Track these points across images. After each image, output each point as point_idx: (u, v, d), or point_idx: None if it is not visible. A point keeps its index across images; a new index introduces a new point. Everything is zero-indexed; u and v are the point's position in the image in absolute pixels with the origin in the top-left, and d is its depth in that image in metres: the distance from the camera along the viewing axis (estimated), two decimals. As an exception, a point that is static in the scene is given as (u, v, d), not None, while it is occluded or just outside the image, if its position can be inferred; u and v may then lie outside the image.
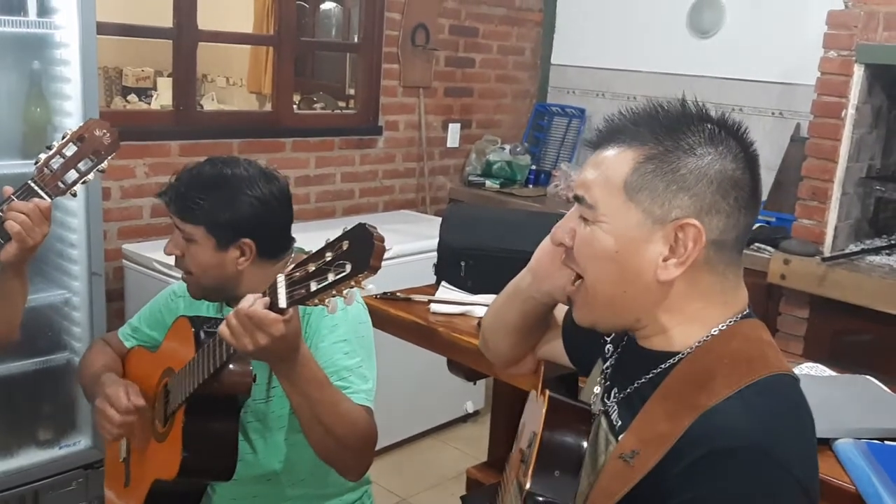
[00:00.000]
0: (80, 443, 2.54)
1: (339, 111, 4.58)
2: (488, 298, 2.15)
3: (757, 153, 1.02)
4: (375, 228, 1.11)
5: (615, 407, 1.07)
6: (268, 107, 4.91)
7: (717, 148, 0.98)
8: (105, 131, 1.60)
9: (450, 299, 2.18)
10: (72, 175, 1.57)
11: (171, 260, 2.54)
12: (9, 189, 1.54)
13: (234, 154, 3.35)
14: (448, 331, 2.00)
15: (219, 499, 1.67)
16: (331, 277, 1.12)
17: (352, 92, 4.84)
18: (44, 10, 2.32)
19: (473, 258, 2.26)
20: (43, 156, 1.57)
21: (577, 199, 1.04)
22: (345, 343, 1.53)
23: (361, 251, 1.10)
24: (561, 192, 4.07)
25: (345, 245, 1.12)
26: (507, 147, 4.29)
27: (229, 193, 1.53)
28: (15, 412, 2.49)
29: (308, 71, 5.34)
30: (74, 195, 1.61)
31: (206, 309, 1.71)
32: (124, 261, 2.96)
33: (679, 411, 0.94)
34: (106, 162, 1.61)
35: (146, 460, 1.64)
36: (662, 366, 1.02)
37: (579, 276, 1.06)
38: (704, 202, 0.97)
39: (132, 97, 5.60)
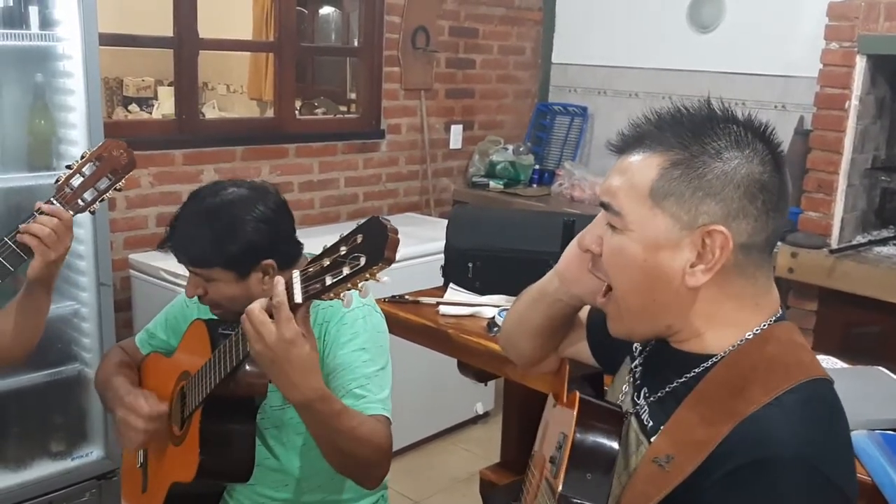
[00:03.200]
0: (92, 454, 2.54)
1: (340, 116, 4.58)
2: (497, 299, 2.17)
3: (783, 153, 1.01)
4: (389, 221, 1.11)
5: (646, 408, 1.06)
6: (269, 113, 4.92)
7: (744, 151, 0.97)
8: (122, 151, 1.63)
9: (458, 301, 2.19)
10: (91, 193, 1.61)
11: (179, 268, 2.55)
12: (40, 204, 1.58)
13: (238, 162, 3.38)
14: (458, 332, 2.00)
15: (236, 503, 1.67)
16: (346, 271, 1.12)
17: (353, 96, 4.84)
18: (46, 22, 2.33)
19: (481, 259, 2.26)
20: (63, 174, 1.60)
21: (604, 206, 1.03)
22: (364, 351, 1.53)
23: (376, 243, 1.10)
24: (565, 190, 4.07)
25: (359, 238, 1.12)
26: (510, 147, 4.29)
27: (231, 224, 1.50)
28: (27, 424, 2.50)
29: (308, 76, 5.34)
30: (93, 213, 1.66)
31: None
32: (131, 271, 2.97)
33: (716, 417, 0.94)
34: (123, 181, 1.64)
35: (164, 464, 1.64)
36: (696, 369, 1.01)
37: (609, 288, 1.05)
38: (732, 207, 0.96)
39: (133, 107, 5.61)
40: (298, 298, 1.21)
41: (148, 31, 3.41)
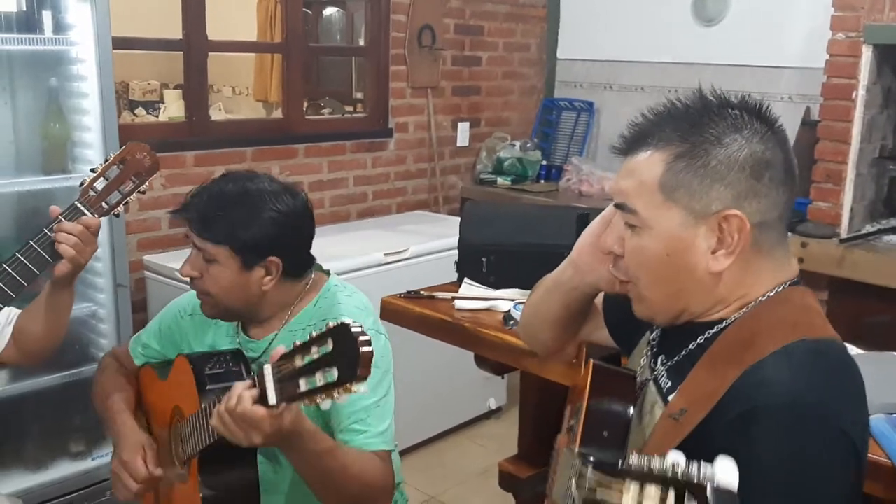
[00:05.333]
0: (111, 453, 2.55)
1: (348, 115, 4.60)
2: (512, 293, 2.18)
3: (783, 129, 1.04)
4: (361, 330, 1.05)
5: (664, 372, 1.09)
6: (275, 114, 4.94)
7: (742, 132, 1.00)
8: (145, 154, 1.64)
9: (474, 295, 2.20)
10: (115, 196, 1.62)
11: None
12: (56, 209, 1.59)
13: (248, 163, 3.40)
14: (474, 326, 2.02)
15: None
16: (319, 381, 1.08)
17: (358, 96, 4.85)
18: (59, 27, 2.35)
19: (495, 254, 2.28)
20: (87, 178, 1.62)
21: (619, 206, 1.06)
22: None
23: (347, 357, 1.05)
24: (573, 185, 4.08)
25: (329, 344, 1.07)
26: (517, 143, 4.31)
27: (253, 210, 1.48)
28: (47, 426, 2.52)
29: (313, 77, 5.36)
30: (118, 216, 1.66)
31: (212, 334, 1.66)
32: (146, 272, 2.99)
33: (725, 369, 0.97)
34: (147, 183, 1.65)
35: (171, 497, 1.63)
36: (710, 332, 1.04)
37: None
38: (741, 188, 0.99)
39: (140, 110, 5.63)
40: (273, 400, 1.16)
41: (151, 34, 3.43)
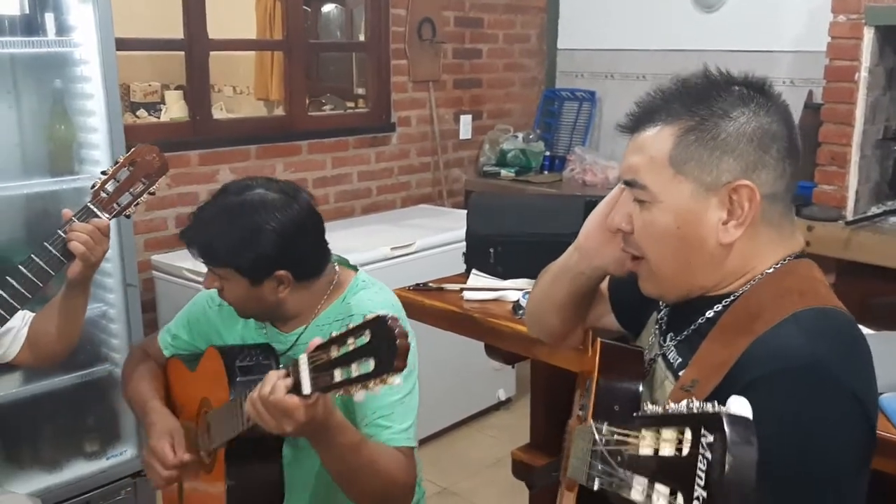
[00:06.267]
0: (126, 452, 2.57)
1: (350, 111, 4.61)
2: (520, 282, 2.19)
3: (786, 104, 1.06)
4: (398, 323, 1.06)
5: (672, 348, 1.10)
6: (277, 112, 4.94)
7: (749, 106, 1.02)
8: (154, 155, 1.66)
9: (482, 286, 2.21)
10: (126, 198, 1.64)
11: (200, 266, 2.55)
12: (68, 212, 1.62)
13: (252, 161, 3.40)
14: (484, 316, 2.02)
15: None
16: (354, 371, 1.08)
17: (359, 91, 4.86)
18: (62, 29, 2.36)
19: (502, 244, 2.29)
20: (98, 180, 1.64)
21: (628, 183, 1.07)
22: None
23: (385, 349, 1.05)
24: (577, 175, 4.09)
25: (367, 336, 1.08)
26: (520, 135, 4.31)
27: (249, 231, 1.46)
28: (61, 426, 2.53)
29: (314, 74, 5.37)
30: (128, 217, 1.69)
31: (241, 325, 1.68)
32: (153, 272, 3.00)
33: (735, 340, 0.98)
34: (157, 184, 1.67)
35: (197, 488, 1.65)
36: (719, 306, 1.05)
37: (636, 256, 1.09)
38: (749, 160, 1.00)
39: (141, 112, 5.64)
40: (307, 389, 1.17)
41: (149, 34, 3.44)
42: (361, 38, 4.27)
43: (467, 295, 2.16)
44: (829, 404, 0.91)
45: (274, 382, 1.21)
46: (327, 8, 5.40)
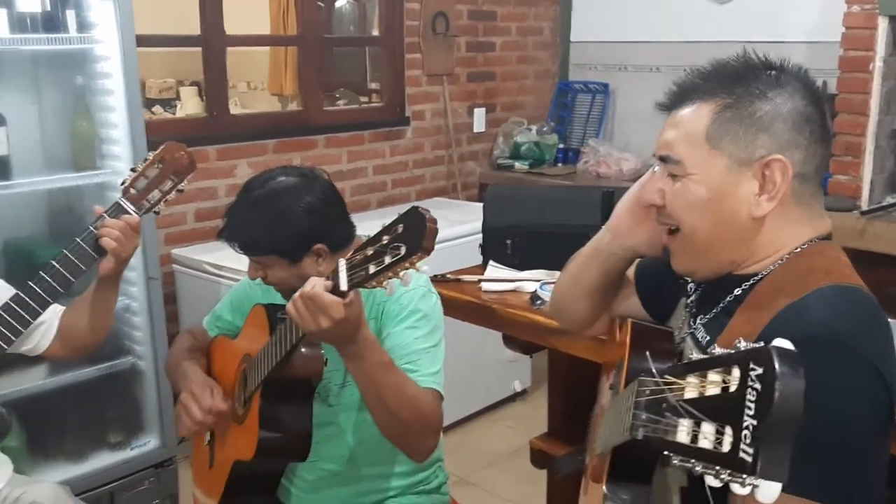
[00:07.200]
0: (149, 443, 2.61)
1: (364, 105, 4.63)
2: (537, 274, 2.21)
3: (820, 90, 1.09)
4: (428, 211, 1.15)
5: (700, 328, 1.13)
6: (291, 107, 4.97)
7: (785, 88, 1.05)
8: (183, 153, 1.70)
9: (499, 277, 2.23)
10: (155, 194, 1.68)
11: (220, 260, 2.60)
12: (99, 208, 1.66)
13: (269, 155, 3.44)
14: (502, 307, 2.04)
15: (298, 479, 1.73)
16: (387, 260, 1.16)
17: (373, 86, 4.88)
18: (83, 26, 2.38)
19: (519, 236, 2.31)
20: (127, 176, 1.68)
21: (663, 158, 1.10)
22: (416, 329, 1.58)
23: (415, 233, 1.14)
24: (591, 168, 4.10)
25: (399, 228, 1.16)
26: (534, 128, 4.33)
27: (281, 215, 1.55)
28: (86, 417, 2.57)
29: (327, 69, 5.39)
30: (158, 213, 1.73)
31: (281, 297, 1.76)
32: (174, 265, 3.04)
33: (759, 314, 1.01)
34: (186, 181, 1.70)
35: (227, 443, 1.71)
36: (746, 284, 1.08)
37: (671, 231, 1.12)
38: (783, 139, 1.04)
39: (157, 108, 5.69)
40: (344, 286, 1.26)
41: (163, 31, 3.47)
42: (375, 32, 4.29)
43: (485, 286, 2.18)
44: (849, 374, 0.93)
45: (314, 282, 1.29)
46: (340, 3, 5.43)
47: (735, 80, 1.06)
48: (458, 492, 3.01)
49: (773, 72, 1.06)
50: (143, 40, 2.50)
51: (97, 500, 2.49)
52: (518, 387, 3.65)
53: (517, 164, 4.22)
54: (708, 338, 1.11)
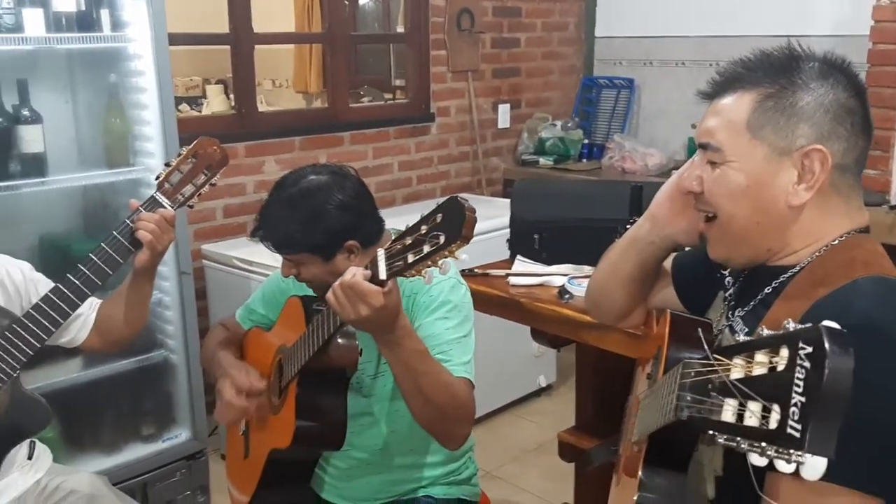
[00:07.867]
0: (181, 435, 2.65)
1: (390, 102, 4.66)
2: (565, 268, 2.22)
3: (864, 83, 1.10)
4: (467, 200, 1.16)
5: (739, 320, 1.14)
6: (316, 104, 5.01)
7: (828, 80, 1.06)
8: (216, 148, 1.73)
9: (527, 271, 2.24)
10: (189, 188, 1.71)
11: (250, 255, 2.62)
12: (135, 202, 1.69)
13: (296, 152, 3.47)
14: (530, 301, 2.06)
15: (332, 468, 1.76)
16: (426, 249, 1.18)
17: (398, 83, 4.90)
18: (116, 24, 2.42)
19: (547, 230, 2.32)
20: (162, 171, 1.71)
21: (703, 146, 1.12)
22: (447, 319, 1.60)
23: (454, 222, 1.15)
24: (616, 163, 4.10)
25: (438, 218, 1.18)
26: (558, 123, 4.33)
27: (315, 213, 1.57)
28: (119, 410, 2.62)
29: (351, 66, 5.43)
30: (192, 207, 1.75)
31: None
32: (204, 261, 3.08)
33: (797, 305, 1.01)
34: (218, 175, 1.73)
35: (263, 432, 1.74)
36: (784, 276, 1.09)
37: (709, 218, 1.13)
38: (824, 129, 1.04)
39: (184, 106, 5.74)
40: (383, 275, 1.27)
41: (190, 29, 3.50)
42: (400, 29, 4.31)
43: (513, 280, 2.20)
44: (885, 363, 0.93)
45: (354, 271, 1.32)
46: (364, 0, 5.46)
47: (778, 71, 1.07)
48: (486, 485, 3.02)
49: (817, 63, 1.07)
50: (173, 38, 2.54)
51: (130, 490, 2.52)
52: (543, 382, 3.66)
53: (542, 160, 4.22)
54: (746, 329, 1.11)
